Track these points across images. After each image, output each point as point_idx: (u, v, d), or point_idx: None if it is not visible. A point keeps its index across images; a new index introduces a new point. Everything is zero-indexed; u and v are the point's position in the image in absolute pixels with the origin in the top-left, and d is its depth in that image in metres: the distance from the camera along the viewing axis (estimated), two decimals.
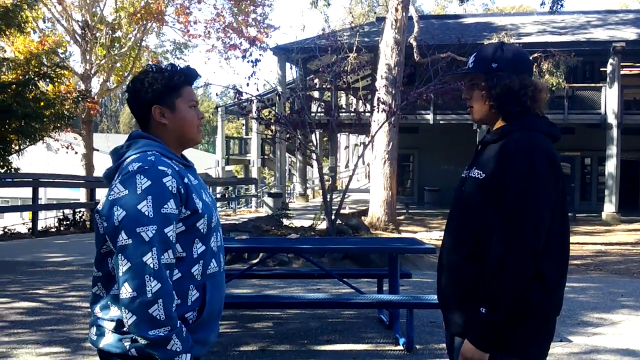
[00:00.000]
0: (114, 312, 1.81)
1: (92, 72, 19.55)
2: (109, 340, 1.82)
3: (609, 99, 20.17)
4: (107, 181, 1.90)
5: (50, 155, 28.53)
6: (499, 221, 1.90)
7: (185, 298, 1.84)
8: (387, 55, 14.96)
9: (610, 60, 20.16)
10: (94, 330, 1.88)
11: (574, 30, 22.42)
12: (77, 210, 14.41)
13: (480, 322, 1.88)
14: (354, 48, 15.13)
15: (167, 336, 1.71)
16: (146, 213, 1.73)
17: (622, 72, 20.74)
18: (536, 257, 1.87)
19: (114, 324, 1.81)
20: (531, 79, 2.06)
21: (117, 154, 1.92)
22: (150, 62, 22.66)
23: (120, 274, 1.72)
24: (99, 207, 1.84)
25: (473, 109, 2.13)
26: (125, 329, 1.77)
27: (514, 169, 1.89)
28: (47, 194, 28.08)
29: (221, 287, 1.99)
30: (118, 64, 21.00)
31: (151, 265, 1.70)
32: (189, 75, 1.99)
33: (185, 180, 1.87)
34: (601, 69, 22.00)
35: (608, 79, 20.33)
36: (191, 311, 1.85)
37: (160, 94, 1.92)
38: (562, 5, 20.86)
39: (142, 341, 1.72)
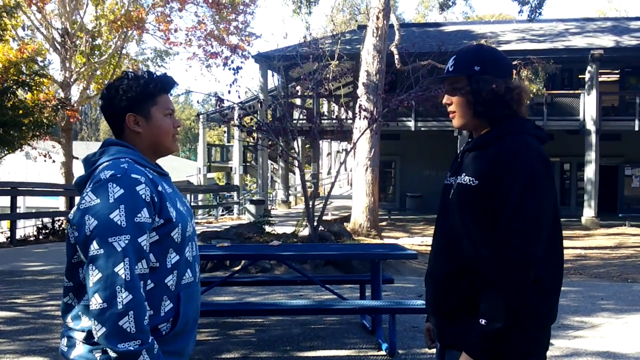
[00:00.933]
0: (85, 322, 1.76)
1: (72, 80, 19.39)
2: (79, 351, 1.77)
3: (588, 106, 20.44)
4: (79, 189, 1.86)
5: (29, 163, 28.21)
6: (502, 229, 1.80)
7: (158, 309, 1.79)
8: (369, 62, 15.04)
9: (589, 68, 20.45)
10: (64, 341, 1.83)
11: (552, 38, 22.71)
12: (56, 218, 14.24)
13: (481, 334, 1.79)
14: (336, 56, 15.18)
15: (136, 350, 1.64)
16: (119, 222, 1.68)
17: (600, 79, 21.05)
18: (539, 262, 1.79)
19: (84, 334, 1.76)
20: (514, 81, 2.00)
21: (89, 162, 1.88)
22: (130, 69, 22.53)
23: (91, 284, 1.65)
24: (70, 215, 1.80)
25: (456, 115, 2.04)
26: (95, 339, 1.71)
27: (513, 175, 1.81)
28: (25, 203, 27.74)
29: (196, 297, 1.93)
30: (98, 72, 20.84)
31: (123, 276, 1.64)
32: (166, 83, 1.95)
33: (159, 188, 1.82)
34: (580, 76, 22.31)
35: (586, 85, 20.61)
36: (164, 322, 1.80)
37: (134, 102, 1.88)
38: (540, 14, 21.13)
39: (112, 354, 1.65)
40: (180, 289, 1.85)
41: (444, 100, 2.09)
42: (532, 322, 1.82)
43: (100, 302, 1.63)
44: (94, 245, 1.67)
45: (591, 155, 20.14)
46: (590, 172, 20.21)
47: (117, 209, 1.69)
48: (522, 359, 1.85)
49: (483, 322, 1.79)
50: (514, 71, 2.13)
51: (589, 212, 20.09)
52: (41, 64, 19.89)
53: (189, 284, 1.88)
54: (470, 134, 2.08)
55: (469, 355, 1.82)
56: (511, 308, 1.77)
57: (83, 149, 28.01)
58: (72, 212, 1.80)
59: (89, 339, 1.75)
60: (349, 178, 31.43)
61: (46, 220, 14.31)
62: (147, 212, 1.74)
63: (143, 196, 1.74)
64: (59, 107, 16.35)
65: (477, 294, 1.85)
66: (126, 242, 1.67)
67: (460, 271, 1.91)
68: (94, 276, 1.65)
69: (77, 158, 19.87)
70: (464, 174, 1.94)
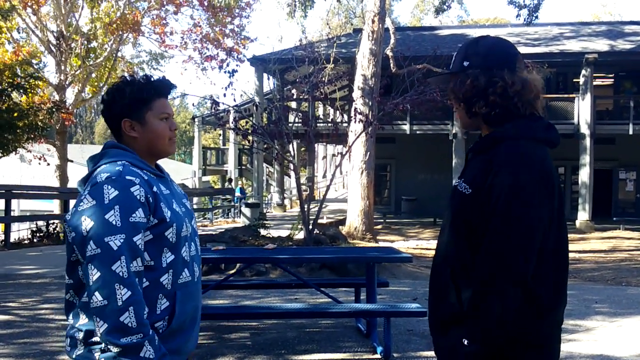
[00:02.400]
0: (83, 320, 1.82)
1: (67, 82, 19.34)
2: (80, 351, 1.82)
3: (582, 110, 20.51)
4: (81, 188, 1.91)
5: (24, 166, 28.12)
6: (484, 245, 1.69)
7: (154, 307, 1.83)
8: (364, 66, 15.06)
9: (583, 72, 20.53)
10: (68, 341, 1.88)
11: (547, 42, 22.80)
12: (51, 221, 14.21)
13: (464, 354, 1.69)
14: (331, 59, 15.22)
15: (139, 342, 1.70)
16: (114, 222, 1.74)
17: (594, 83, 21.13)
18: (525, 283, 1.66)
19: (82, 333, 1.81)
20: (503, 72, 1.78)
21: (93, 162, 1.94)
22: (125, 73, 22.52)
23: (91, 283, 1.72)
24: (67, 217, 1.84)
25: (457, 115, 1.93)
26: (94, 339, 1.78)
27: (498, 188, 1.68)
28: (20, 206, 27.63)
29: (195, 296, 1.97)
30: (93, 75, 20.81)
31: (120, 274, 1.71)
32: (161, 87, 1.99)
33: (155, 189, 1.87)
34: (574, 80, 22.39)
35: (581, 89, 20.68)
36: (161, 320, 1.84)
37: (129, 108, 1.93)
38: (537, 17, 21.24)
39: (115, 349, 1.71)
40: (177, 288, 1.89)
41: (449, 101, 2.00)
42: (528, 342, 1.71)
43: (100, 300, 1.70)
44: (91, 245, 1.73)
45: (585, 159, 20.20)
46: (584, 175, 20.27)
47: (112, 210, 1.75)
48: None
49: (465, 342, 1.69)
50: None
51: (583, 216, 20.15)
52: (36, 66, 19.84)
53: (186, 283, 1.93)
54: (480, 134, 1.92)
55: None
56: (490, 331, 1.66)
57: (78, 152, 27.95)
58: (69, 213, 1.85)
59: (87, 338, 1.80)
60: (344, 181, 31.45)
61: (41, 223, 14.27)
62: (142, 211, 1.80)
63: (137, 197, 1.80)
64: (54, 109, 16.33)
65: (463, 308, 1.74)
66: (121, 241, 1.74)
67: (447, 283, 1.81)
68: (93, 275, 1.71)
69: (71, 161, 19.85)
70: (463, 179, 1.83)
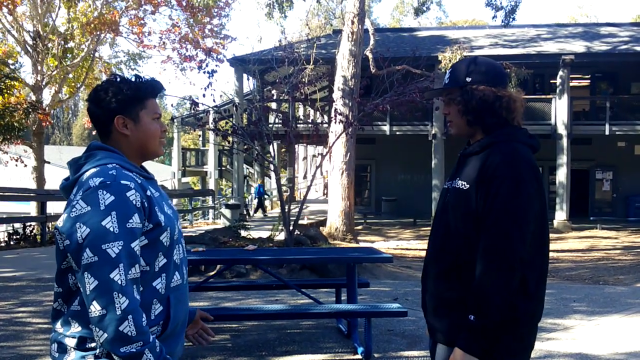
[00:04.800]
0: (75, 328, 1.77)
1: (44, 83, 19.09)
2: (71, 357, 1.78)
3: (559, 110, 20.75)
4: (65, 193, 1.86)
5: (0, 168, 27.71)
6: (485, 232, 1.93)
7: (149, 312, 1.80)
8: (344, 67, 15.09)
9: (560, 73, 20.77)
10: (55, 346, 1.83)
11: (525, 44, 23.03)
12: (28, 224, 14.02)
13: (470, 329, 1.91)
14: (311, 60, 15.21)
15: (139, 351, 1.67)
16: (111, 229, 1.69)
17: (571, 84, 21.39)
18: (522, 266, 1.91)
19: (75, 340, 1.77)
20: (505, 90, 2.10)
21: (76, 165, 1.88)
22: (103, 73, 22.29)
23: (88, 292, 1.67)
24: (59, 223, 1.79)
25: (452, 124, 2.18)
26: (87, 345, 1.74)
27: (499, 180, 1.94)
28: None
29: (185, 299, 1.96)
30: (70, 75, 20.56)
31: (119, 282, 1.67)
32: (155, 87, 1.97)
33: (148, 192, 1.84)
34: (551, 81, 22.65)
35: (558, 90, 20.93)
36: (155, 325, 1.82)
37: (124, 104, 1.89)
38: (514, 19, 21.44)
39: (116, 358, 1.69)
40: (169, 292, 1.87)
41: (443, 111, 2.24)
42: (516, 322, 1.95)
43: (99, 309, 1.66)
44: (88, 252, 1.68)
45: (563, 159, 20.44)
46: (561, 175, 20.51)
47: (109, 216, 1.71)
48: (508, 356, 1.96)
49: (472, 317, 1.91)
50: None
51: (560, 215, 20.38)
52: (12, 66, 19.58)
53: (177, 287, 1.91)
54: (468, 141, 2.18)
55: (461, 349, 1.92)
56: (497, 307, 1.88)
57: (55, 153, 27.65)
58: (60, 219, 1.79)
59: (80, 344, 1.77)
60: (324, 182, 31.47)
61: (17, 225, 14.08)
62: (138, 217, 1.76)
63: (134, 202, 1.76)
64: (30, 110, 16.11)
65: (466, 292, 1.96)
66: (120, 248, 1.70)
67: (450, 270, 2.04)
68: (90, 284, 1.67)
69: (48, 162, 19.62)
70: (458, 178, 2.08)
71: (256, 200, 24.91)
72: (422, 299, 2.21)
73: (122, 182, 1.76)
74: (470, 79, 2.10)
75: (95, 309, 1.66)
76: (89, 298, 1.67)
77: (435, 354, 2.13)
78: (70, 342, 1.78)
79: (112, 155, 1.86)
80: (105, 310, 1.65)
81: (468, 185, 2.01)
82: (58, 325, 1.83)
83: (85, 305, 1.72)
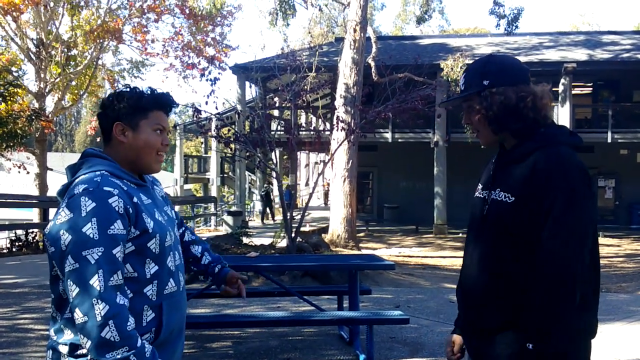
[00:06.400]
0: (68, 335, 1.78)
1: (47, 90, 19.13)
2: None
3: (561, 118, 20.74)
4: (60, 198, 1.88)
5: (3, 175, 27.78)
6: (544, 248, 1.73)
7: (140, 319, 1.80)
8: (346, 74, 15.12)
9: (562, 81, 20.78)
10: (50, 353, 1.84)
11: (527, 51, 23.06)
12: (30, 230, 14.02)
13: (529, 357, 1.74)
14: (314, 67, 15.27)
15: (124, 357, 1.66)
16: (91, 235, 1.70)
17: (573, 92, 21.40)
18: (582, 285, 1.74)
19: (67, 347, 1.78)
20: (528, 87, 1.89)
21: (72, 172, 1.91)
22: (106, 81, 22.35)
23: (72, 299, 1.69)
24: (46, 230, 1.81)
25: (479, 134, 1.98)
26: (79, 351, 1.75)
27: (553, 192, 1.73)
28: None
29: (181, 306, 1.95)
30: (73, 82, 20.60)
31: (98, 288, 1.67)
32: (161, 100, 1.97)
33: (135, 199, 1.84)
34: (553, 89, 22.63)
35: (560, 98, 20.92)
36: (147, 332, 1.81)
37: (125, 112, 1.91)
38: (516, 27, 21.49)
39: None
40: (162, 299, 1.86)
41: (464, 121, 2.01)
42: (578, 344, 1.81)
43: (81, 316, 1.67)
44: (70, 259, 1.69)
45: None
46: None
47: (89, 222, 1.71)
48: None
49: (530, 346, 1.73)
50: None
51: None
52: (15, 74, 19.62)
53: (172, 294, 1.90)
54: (502, 145, 1.99)
55: None
56: (559, 337, 1.71)
57: (58, 160, 27.66)
58: (48, 226, 1.81)
59: (72, 351, 1.77)
60: (324, 190, 31.47)
61: (19, 232, 14.09)
62: (121, 223, 1.76)
63: (116, 208, 1.76)
64: (34, 117, 16.15)
65: (517, 313, 1.79)
66: (99, 254, 1.69)
67: (499, 289, 1.84)
68: (72, 291, 1.68)
69: (51, 169, 19.63)
70: (499, 189, 1.87)
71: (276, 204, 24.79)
72: (460, 318, 2.06)
73: (105, 188, 1.77)
74: (487, 81, 1.88)
75: (78, 315, 1.67)
76: (72, 305, 1.69)
77: None
78: (63, 349, 1.79)
79: (102, 162, 1.88)
80: (86, 317, 1.65)
81: (513, 198, 1.80)
82: (52, 332, 1.84)
83: None
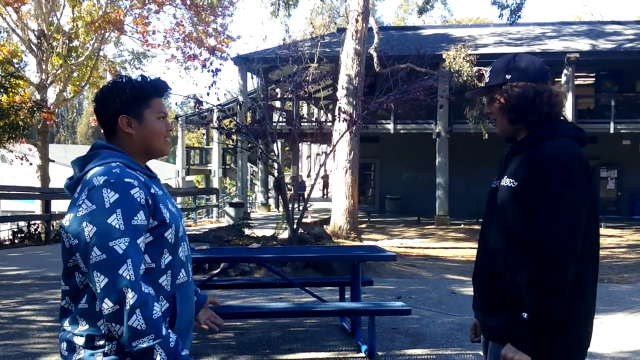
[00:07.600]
0: (83, 326, 1.78)
1: (48, 82, 19.13)
2: (80, 355, 1.79)
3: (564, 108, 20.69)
4: (69, 192, 1.87)
5: (5, 166, 27.83)
6: (538, 229, 1.91)
7: None
8: (348, 65, 15.08)
9: (565, 71, 20.71)
10: (64, 345, 1.84)
11: (529, 42, 22.97)
12: (32, 222, 14.05)
13: (523, 326, 1.90)
14: (315, 58, 15.23)
15: (149, 346, 1.68)
16: (117, 226, 1.71)
17: (576, 82, 21.33)
18: (575, 262, 1.89)
19: (83, 339, 1.78)
20: (546, 85, 2.08)
21: (80, 164, 1.89)
22: (107, 72, 22.33)
23: (99, 290, 1.69)
24: (65, 222, 1.80)
25: (496, 123, 2.18)
26: (96, 343, 1.76)
27: (548, 176, 1.91)
28: (0, 206, 27.35)
29: (190, 296, 1.99)
30: (75, 74, 20.60)
31: (128, 277, 1.69)
32: (159, 87, 1.98)
33: (152, 190, 1.86)
34: (556, 79, 22.56)
35: (563, 88, 20.76)
36: (163, 322, 1.82)
37: (128, 104, 1.91)
38: (519, 17, 21.40)
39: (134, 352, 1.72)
40: (175, 289, 1.89)
41: (485, 110, 2.22)
42: (573, 319, 1.95)
43: (111, 306, 1.68)
44: (96, 251, 1.70)
45: None
46: None
47: (114, 214, 1.73)
48: (563, 352, 1.96)
49: (525, 315, 1.90)
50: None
51: None
52: (17, 65, 19.62)
53: (182, 284, 1.93)
54: (513, 139, 2.17)
55: (514, 346, 1.92)
56: (551, 305, 1.87)
57: (60, 151, 27.71)
58: (66, 218, 1.81)
59: (88, 342, 1.78)
60: (324, 181, 31.46)
61: (22, 224, 14.11)
62: (143, 214, 1.79)
63: (138, 199, 1.78)
64: (35, 109, 16.14)
65: (518, 291, 1.95)
66: (127, 244, 1.72)
67: (502, 270, 2.02)
68: (100, 282, 1.69)
69: (53, 161, 19.68)
70: (506, 176, 2.06)
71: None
72: (473, 298, 2.21)
73: (126, 180, 1.78)
74: (509, 76, 2.09)
75: (107, 306, 1.68)
76: (100, 296, 1.69)
77: (488, 352, 2.14)
78: (79, 341, 1.79)
79: (115, 154, 1.88)
80: (117, 306, 1.67)
81: (517, 183, 1.99)
82: (66, 323, 1.84)
83: (92, 303, 1.75)
